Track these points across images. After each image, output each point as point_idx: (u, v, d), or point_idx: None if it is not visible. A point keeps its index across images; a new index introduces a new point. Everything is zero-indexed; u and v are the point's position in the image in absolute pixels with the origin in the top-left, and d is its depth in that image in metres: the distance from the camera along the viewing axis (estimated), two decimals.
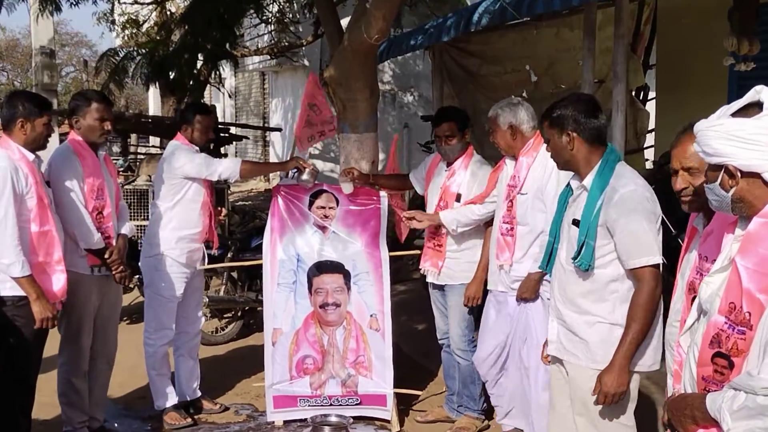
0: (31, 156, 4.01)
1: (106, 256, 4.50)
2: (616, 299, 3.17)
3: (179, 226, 5.00)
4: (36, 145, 4.07)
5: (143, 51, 13.72)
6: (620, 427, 3.23)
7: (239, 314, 7.16)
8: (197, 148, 5.04)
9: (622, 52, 5.33)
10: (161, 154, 12.10)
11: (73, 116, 4.49)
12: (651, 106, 9.18)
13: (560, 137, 3.25)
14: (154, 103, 29.34)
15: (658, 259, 3.06)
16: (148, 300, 5.10)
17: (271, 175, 16.07)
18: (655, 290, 3.07)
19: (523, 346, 4.26)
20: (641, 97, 8.82)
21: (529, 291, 4.16)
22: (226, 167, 4.92)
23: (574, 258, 3.18)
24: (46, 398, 4.98)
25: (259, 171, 5.90)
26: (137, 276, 6.64)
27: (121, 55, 14.32)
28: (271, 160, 18.77)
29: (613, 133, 5.32)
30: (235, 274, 7.13)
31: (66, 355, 4.60)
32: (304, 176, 4.95)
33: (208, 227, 5.12)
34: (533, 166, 4.22)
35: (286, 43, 14.97)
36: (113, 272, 4.56)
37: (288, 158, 5.58)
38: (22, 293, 3.88)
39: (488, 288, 4.55)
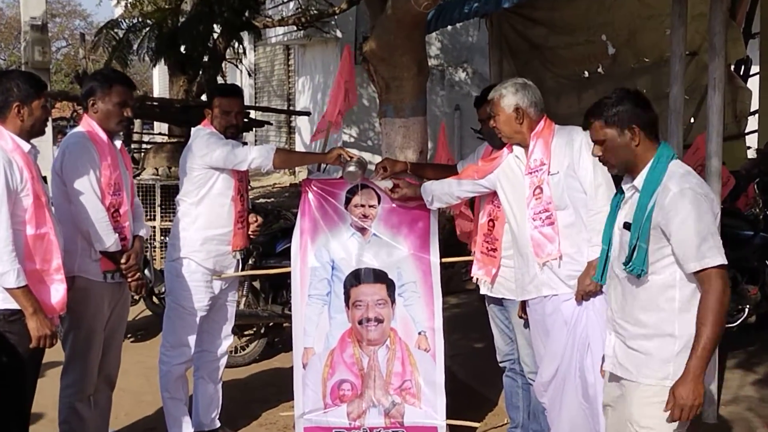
0: (26, 146, 4.07)
1: (123, 260, 4.60)
2: (674, 309, 3.36)
3: (205, 226, 5.09)
4: (35, 131, 4.14)
5: (149, 22, 13.89)
6: None
7: (262, 331, 7.21)
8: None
9: (720, 19, 5.28)
10: (170, 143, 12.32)
11: (90, 98, 4.62)
12: (753, 84, 9.07)
13: (621, 134, 3.44)
14: (159, 83, 29.71)
15: (722, 259, 3.25)
16: (168, 310, 5.21)
17: (297, 167, 16.15)
18: (725, 292, 3.25)
19: (585, 356, 4.25)
20: (742, 73, 8.73)
21: (594, 282, 4.14)
22: (258, 155, 4.97)
23: (626, 263, 3.40)
24: (43, 428, 5.11)
25: (295, 161, 5.90)
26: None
27: (123, 28, 14.52)
28: (297, 149, 18.87)
29: (709, 116, 5.28)
30: (257, 284, 7.19)
31: (72, 376, 4.70)
32: (351, 168, 4.89)
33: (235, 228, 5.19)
34: (553, 144, 4.33)
35: (316, 12, 15.04)
36: (129, 280, 4.67)
37: (321, 149, 5.62)
38: (15, 306, 3.94)
39: (518, 299, 4.58)
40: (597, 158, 4.21)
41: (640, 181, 3.43)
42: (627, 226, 3.44)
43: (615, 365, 3.56)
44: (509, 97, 4.37)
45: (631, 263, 3.37)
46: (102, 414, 4.93)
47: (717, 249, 3.25)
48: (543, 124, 4.38)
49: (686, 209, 3.26)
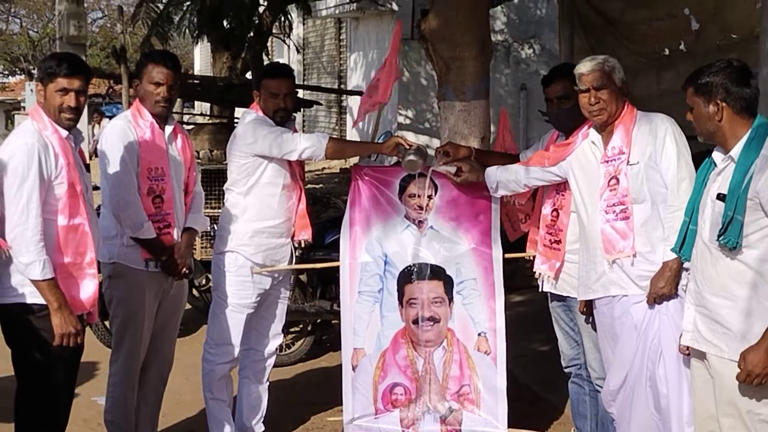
0: (64, 132, 4.19)
1: (163, 257, 4.78)
2: None
3: (255, 218, 5.17)
4: (54, 119, 4.17)
5: None
6: None
7: (309, 328, 7.30)
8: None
9: None
10: (212, 124, 12.46)
11: (135, 79, 4.88)
12: None
13: (707, 106, 3.72)
14: (201, 59, 30.01)
15: None
16: (213, 306, 5.32)
17: None
18: None
19: (658, 365, 4.26)
20: None
21: (669, 284, 4.18)
22: (309, 145, 4.99)
23: (720, 235, 3.61)
24: (74, 427, 5.25)
25: (349, 151, 5.90)
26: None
27: (164, 1, 14.72)
28: (348, 131, 18.95)
29: None
30: (304, 278, 7.26)
31: (115, 365, 4.94)
32: (411, 157, 4.86)
33: (295, 215, 5.29)
34: (635, 131, 4.34)
35: None
36: (172, 276, 4.88)
37: (371, 131, 5.66)
38: (43, 301, 4.05)
39: (580, 298, 4.62)
40: (682, 150, 4.25)
41: (736, 151, 3.65)
42: (721, 197, 3.65)
43: (698, 340, 3.80)
44: (620, 70, 4.41)
45: (725, 235, 3.58)
46: (150, 411, 5.15)
47: None
48: (625, 109, 4.39)
49: None
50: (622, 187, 4.31)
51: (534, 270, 4.96)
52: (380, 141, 5.69)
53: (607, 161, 4.38)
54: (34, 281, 4.01)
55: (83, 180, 4.25)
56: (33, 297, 4.06)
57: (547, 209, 4.84)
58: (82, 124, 10.53)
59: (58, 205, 4.10)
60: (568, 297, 4.83)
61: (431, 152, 5.16)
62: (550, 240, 4.83)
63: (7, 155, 4.03)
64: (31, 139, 4.04)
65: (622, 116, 4.37)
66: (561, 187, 4.73)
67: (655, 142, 4.26)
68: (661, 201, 4.24)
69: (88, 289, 4.22)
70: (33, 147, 4.02)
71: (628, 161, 4.31)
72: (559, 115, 4.81)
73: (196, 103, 21.76)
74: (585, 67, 4.37)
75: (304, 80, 21.69)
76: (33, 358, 4.13)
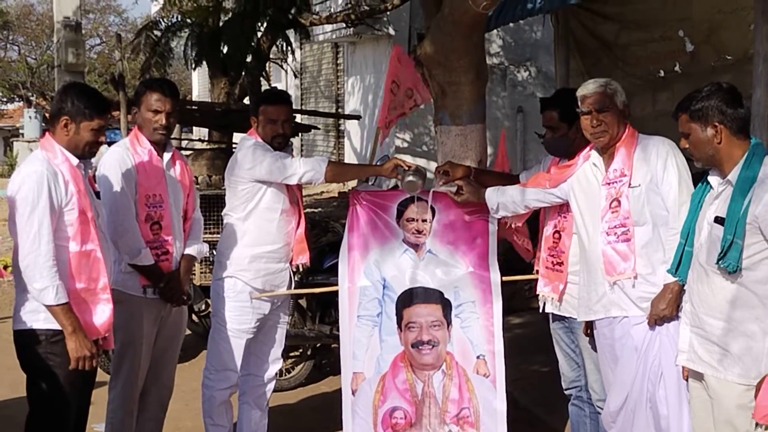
0: (74, 160, 4.25)
1: (161, 284, 4.80)
2: (767, 305, 3.62)
3: (253, 243, 5.19)
4: (78, 152, 4.27)
5: (189, 22, 14.12)
6: None
7: (308, 353, 7.30)
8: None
9: None
10: (210, 149, 12.47)
11: (133, 106, 4.91)
12: None
13: (704, 130, 3.76)
14: (199, 84, 30.10)
15: None
16: (213, 332, 5.33)
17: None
18: None
19: (658, 387, 4.27)
20: None
21: (670, 306, 4.19)
22: (309, 168, 5.04)
23: (720, 259, 3.64)
24: None
25: (349, 174, 5.92)
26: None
27: (162, 27, 14.78)
28: (346, 155, 18.98)
29: None
30: (303, 302, 7.26)
31: (113, 392, 4.96)
32: (410, 177, 4.90)
33: (294, 240, 5.30)
34: (636, 155, 4.36)
35: (367, 7, 15.14)
36: (170, 302, 4.89)
37: (369, 155, 5.69)
38: (58, 326, 4.10)
39: (581, 319, 4.64)
40: (683, 173, 4.27)
41: (734, 175, 3.69)
42: (719, 220, 3.69)
43: (694, 361, 3.85)
44: (621, 93, 4.44)
45: (725, 259, 3.62)
46: None
47: None
48: (627, 132, 4.42)
49: None
50: (624, 209, 4.33)
51: (537, 292, 4.98)
52: (378, 164, 5.71)
53: (609, 183, 4.40)
54: (48, 306, 4.06)
55: (94, 206, 4.30)
56: (47, 323, 4.13)
57: (548, 231, 4.87)
58: None
59: (70, 232, 4.16)
60: (569, 318, 4.85)
61: (429, 175, 5.18)
62: (552, 262, 4.85)
63: (17, 185, 4.11)
64: (41, 168, 4.11)
65: (623, 139, 4.40)
66: (563, 209, 4.75)
67: (656, 165, 4.29)
68: (662, 223, 4.27)
69: (102, 314, 4.27)
70: (42, 175, 4.08)
71: (630, 184, 4.33)
72: (548, 142, 4.90)
73: (194, 128, 21.79)
74: (587, 90, 4.41)
75: (301, 105, 21.73)
76: (44, 384, 4.18)
